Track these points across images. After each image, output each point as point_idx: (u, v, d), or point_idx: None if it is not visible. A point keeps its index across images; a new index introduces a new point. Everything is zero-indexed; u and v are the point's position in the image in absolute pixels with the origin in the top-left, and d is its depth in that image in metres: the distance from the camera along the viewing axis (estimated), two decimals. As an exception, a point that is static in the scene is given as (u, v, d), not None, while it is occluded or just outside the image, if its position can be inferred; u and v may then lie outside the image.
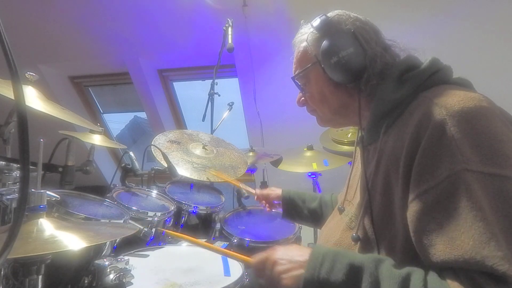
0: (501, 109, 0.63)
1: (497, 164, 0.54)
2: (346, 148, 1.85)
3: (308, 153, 1.98)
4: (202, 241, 0.89)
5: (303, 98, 0.89)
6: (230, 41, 1.78)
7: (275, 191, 1.30)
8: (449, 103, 0.60)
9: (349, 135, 1.85)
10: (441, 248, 0.55)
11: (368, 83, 0.74)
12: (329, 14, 0.79)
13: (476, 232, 0.52)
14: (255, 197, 1.37)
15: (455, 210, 0.54)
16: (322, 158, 1.90)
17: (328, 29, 0.76)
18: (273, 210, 1.34)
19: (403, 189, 0.63)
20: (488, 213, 0.52)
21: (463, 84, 0.71)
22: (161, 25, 2.51)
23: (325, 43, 0.75)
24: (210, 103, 2.08)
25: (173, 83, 3.19)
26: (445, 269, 0.57)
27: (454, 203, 0.55)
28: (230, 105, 2.28)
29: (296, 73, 0.86)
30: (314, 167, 1.84)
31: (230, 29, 1.83)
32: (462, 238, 0.53)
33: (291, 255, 0.70)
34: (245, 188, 1.46)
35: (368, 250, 0.73)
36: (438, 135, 0.58)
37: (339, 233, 0.83)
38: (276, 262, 0.70)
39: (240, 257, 0.82)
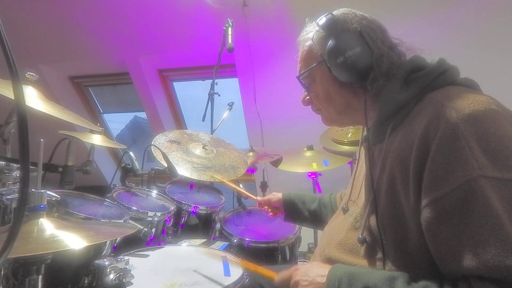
0: (509, 111, 0.62)
1: (511, 169, 0.54)
2: (346, 148, 1.84)
3: (308, 153, 1.98)
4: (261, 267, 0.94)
5: (308, 97, 0.88)
6: (230, 41, 1.77)
7: (276, 195, 1.30)
8: (459, 106, 0.60)
9: (349, 135, 1.85)
10: (462, 256, 0.55)
11: (374, 83, 0.74)
12: (334, 13, 0.78)
13: (496, 241, 0.52)
14: (257, 205, 1.37)
15: (473, 218, 0.54)
16: (322, 158, 1.90)
17: (334, 28, 0.75)
18: (277, 215, 1.34)
19: (415, 193, 0.62)
20: (506, 220, 0.52)
21: (469, 85, 0.71)
22: (161, 25, 2.51)
23: (331, 42, 0.74)
24: (210, 103, 2.08)
25: (173, 83, 3.19)
26: (459, 280, 0.57)
27: (471, 210, 0.54)
28: (230, 105, 2.28)
29: (301, 72, 0.85)
30: (314, 167, 1.83)
31: (230, 29, 1.83)
32: (483, 246, 0.53)
33: (313, 276, 0.74)
34: (248, 195, 1.45)
35: (374, 252, 0.73)
36: (450, 139, 0.57)
37: (343, 232, 0.83)
38: (298, 283, 0.75)
39: (265, 272, 0.88)
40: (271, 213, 1.33)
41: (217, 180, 1.52)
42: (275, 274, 0.85)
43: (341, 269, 0.70)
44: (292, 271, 0.79)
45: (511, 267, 0.50)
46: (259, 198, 1.36)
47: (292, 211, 1.24)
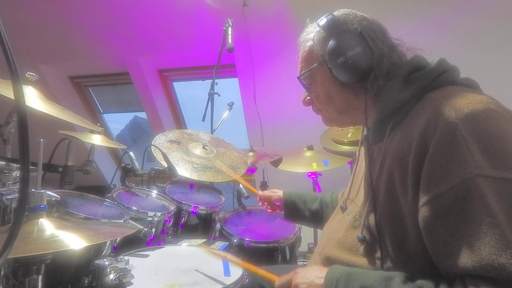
0: (508, 111, 0.63)
1: (509, 168, 0.54)
2: (346, 148, 1.84)
3: (308, 153, 1.98)
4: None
5: (308, 97, 0.89)
6: (230, 41, 1.78)
7: (276, 193, 1.30)
8: (457, 106, 0.60)
9: (349, 135, 1.85)
10: (457, 254, 0.55)
11: (375, 83, 0.74)
12: (335, 13, 0.78)
13: (492, 239, 0.52)
14: (258, 199, 1.37)
15: (469, 216, 0.54)
16: (322, 158, 1.90)
17: (334, 28, 0.76)
18: (276, 212, 1.34)
19: (413, 191, 0.63)
20: (502, 219, 0.52)
21: (470, 85, 0.71)
22: (161, 25, 2.51)
23: (331, 42, 0.75)
24: (210, 103, 2.08)
25: (173, 83, 3.19)
26: (455, 279, 0.57)
27: (467, 209, 0.55)
28: (230, 105, 2.28)
29: (301, 72, 0.85)
30: (314, 167, 1.83)
31: (230, 29, 1.83)
32: (478, 245, 0.53)
33: (312, 278, 0.75)
34: (249, 187, 1.46)
35: (373, 250, 0.73)
36: (449, 138, 0.58)
37: (342, 231, 0.83)
38: (297, 286, 0.76)
39: (267, 276, 0.89)
40: (270, 210, 1.33)
41: (220, 180, 1.52)
42: (276, 277, 0.85)
43: (338, 270, 0.71)
44: (291, 275, 0.80)
45: (504, 266, 0.50)
46: (260, 192, 1.36)
47: (293, 210, 1.24)
